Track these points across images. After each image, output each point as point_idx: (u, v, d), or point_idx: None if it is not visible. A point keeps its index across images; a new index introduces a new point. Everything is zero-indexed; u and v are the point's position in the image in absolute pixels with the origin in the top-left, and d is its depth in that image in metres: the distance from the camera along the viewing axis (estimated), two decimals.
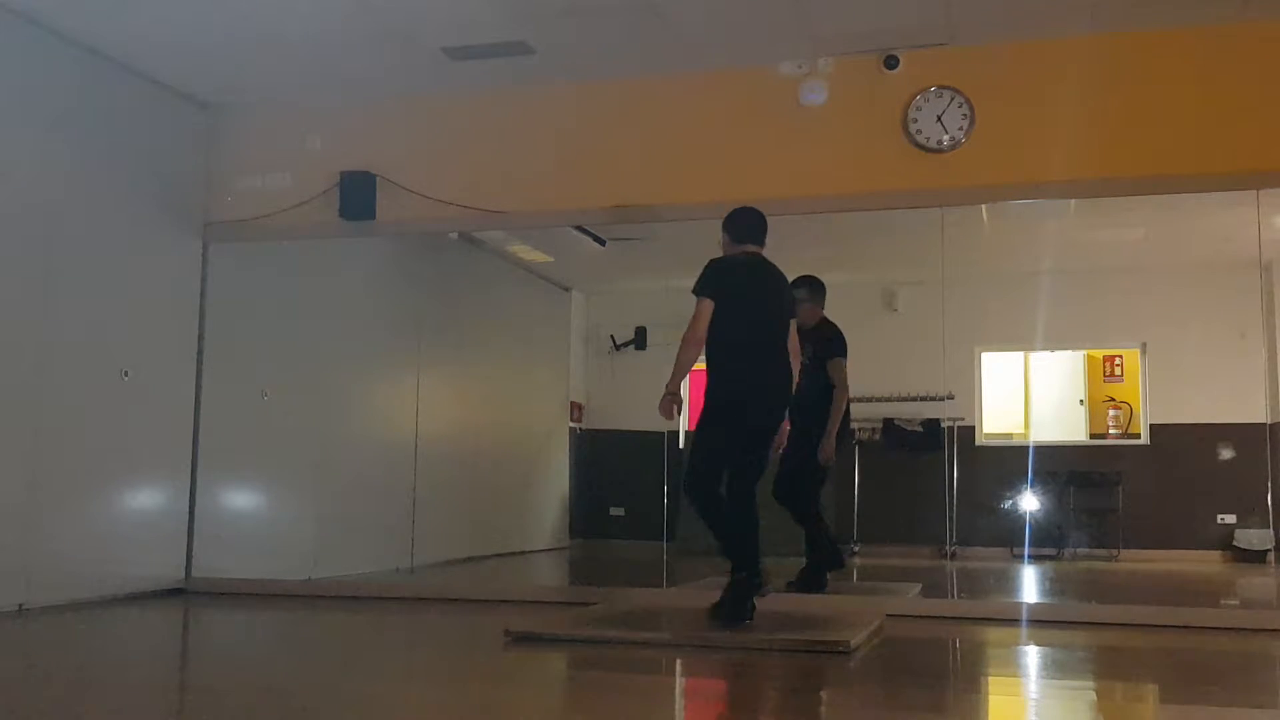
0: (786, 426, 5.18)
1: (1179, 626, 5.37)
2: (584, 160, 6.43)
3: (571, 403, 9.55)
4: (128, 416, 6.22)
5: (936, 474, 7.34)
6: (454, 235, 7.62)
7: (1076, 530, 8.84)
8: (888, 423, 8.54)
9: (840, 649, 4.36)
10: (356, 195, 6.61)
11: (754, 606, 4.88)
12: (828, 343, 6.21)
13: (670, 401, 4.98)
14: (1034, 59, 5.88)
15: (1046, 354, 10.22)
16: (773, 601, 5.01)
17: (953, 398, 8.07)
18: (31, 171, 5.72)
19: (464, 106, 6.64)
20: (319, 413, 7.27)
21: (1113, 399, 10.10)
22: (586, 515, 9.34)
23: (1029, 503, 8.79)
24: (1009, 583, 7.82)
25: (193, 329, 6.75)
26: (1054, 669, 4.59)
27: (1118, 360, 10.20)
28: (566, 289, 9.53)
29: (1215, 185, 5.74)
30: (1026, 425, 10.14)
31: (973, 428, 8.65)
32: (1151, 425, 8.98)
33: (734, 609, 4.83)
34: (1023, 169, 5.88)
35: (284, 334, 7.07)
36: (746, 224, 5.19)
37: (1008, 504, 8.72)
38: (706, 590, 5.34)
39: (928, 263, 6.72)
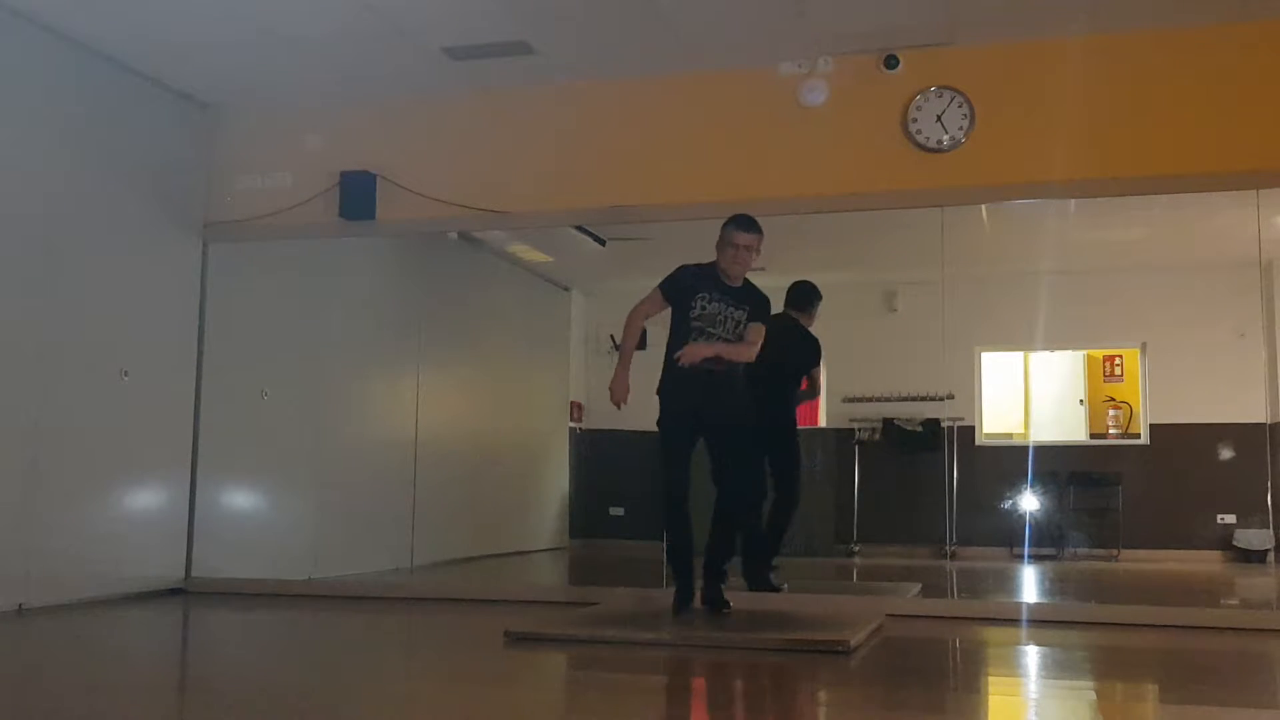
0: None
1: (1179, 626, 5.36)
2: (584, 160, 6.42)
3: (571, 403, 9.53)
4: (128, 416, 6.22)
5: (936, 474, 7.33)
6: (454, 235, 7.61)
7: (1076, 530, 8.84)
8: (888, 423, 8.54)
9: (840, 649, 4.36)
10: (356, 195, 6.61)
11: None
12: None
13: None
14: (1034, 59, 5.87)
15: (1046, 354, 10.22)
16: (770, 601, 5.00)
17: (953, 398, 8.06)
18: (31, 171, 5.72)
19: (464, 106, 6.64)
20: (319, 413, 7.26)
21: (1113, 399, 10.09)
22: (586, 515, 9.32)
23: (1029, 503, 8.78)
24: (1009, 583, 7.81)
25: (193, 329, 6.74)
26: (1054, 669, 4.59)
27: (1118, 360, 10.19)
28: (566, 289, 9.52)
29: (1215, 185, 5.73)
30: (1026, 425, 10.13)
31: (973, 428, 8.64)
32: (1151, 425, 8.97)
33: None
34: (1023, 169, 5.87)
35: (284, 334, 7.06)
36: None
37: (1007, 504, 8.71)
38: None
39: (928, 263, 6.71)
